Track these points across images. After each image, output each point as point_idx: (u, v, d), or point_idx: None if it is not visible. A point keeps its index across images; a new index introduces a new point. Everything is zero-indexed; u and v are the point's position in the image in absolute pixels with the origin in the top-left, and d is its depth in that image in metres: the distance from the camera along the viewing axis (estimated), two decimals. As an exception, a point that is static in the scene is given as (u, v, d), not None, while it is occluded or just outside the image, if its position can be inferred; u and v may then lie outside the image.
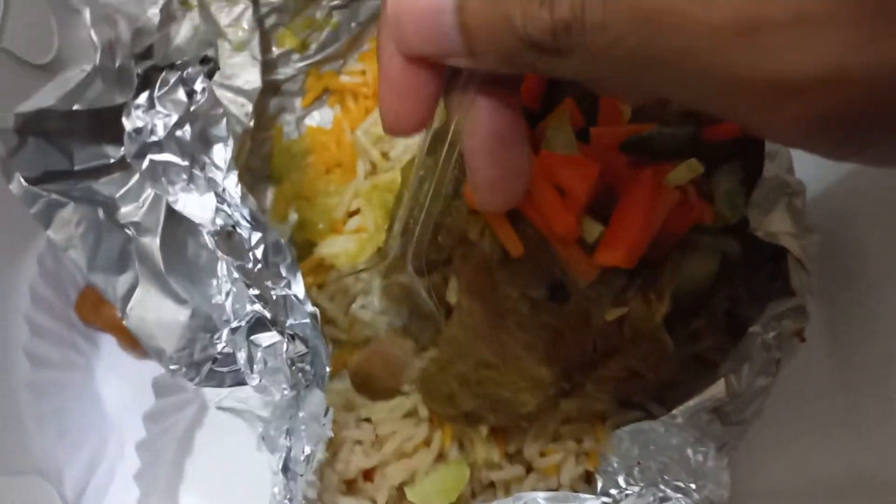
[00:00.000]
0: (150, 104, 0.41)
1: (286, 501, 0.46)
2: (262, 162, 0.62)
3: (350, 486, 0.55)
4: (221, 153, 0.41)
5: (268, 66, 0.61)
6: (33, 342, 0.53)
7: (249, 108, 0.54)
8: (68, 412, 0.54)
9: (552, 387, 0.52)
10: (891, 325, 0.59)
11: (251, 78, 0.56)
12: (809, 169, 0.58)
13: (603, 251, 0.51)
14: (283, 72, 0.63)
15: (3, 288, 0.52)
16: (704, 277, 0.56)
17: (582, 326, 0.52)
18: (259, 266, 0.41)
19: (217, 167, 0.41)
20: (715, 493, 0.55)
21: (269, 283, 0.42)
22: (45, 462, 0.51)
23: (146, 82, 0.40)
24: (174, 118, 0.40)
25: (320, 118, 0.65)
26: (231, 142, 0.41)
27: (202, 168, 0.41)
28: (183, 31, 0.54)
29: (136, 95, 0.41)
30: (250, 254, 0.41)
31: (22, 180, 0.43)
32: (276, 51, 0.62)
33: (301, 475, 0.45)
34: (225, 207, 0.41)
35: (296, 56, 0.63)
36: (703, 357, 0.57)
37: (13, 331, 0.52)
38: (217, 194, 0.41)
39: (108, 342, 0.58)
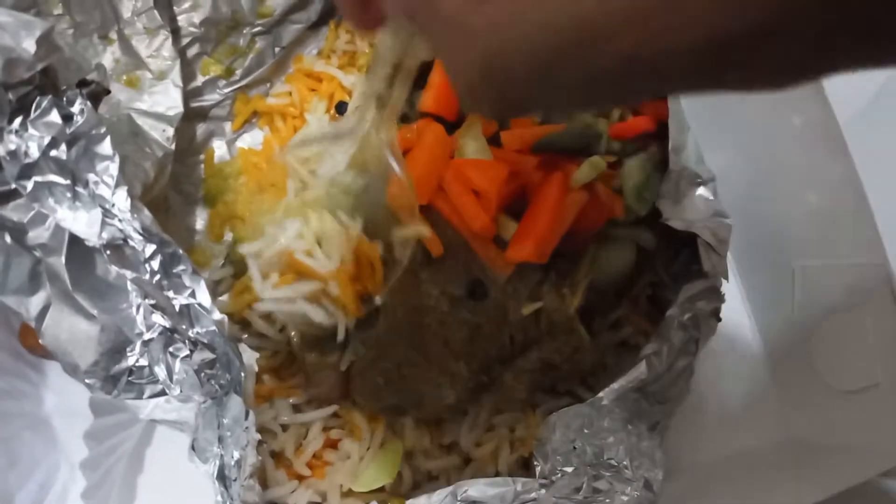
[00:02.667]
0: (24, 128, 0.43)
1: None
2: (195, 186, 0.64)
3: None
4: (108, 170, 0.43)
5: (194, 94, 0.64)
6: (-22, 375, 0.54)
7: (171, 132, 0.56)
8: (18, 440, 0.55)
9: (471, 381, 0.55)
10: (808, 298, 0.61)
11: (173, 104, 0.58)
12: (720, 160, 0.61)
13: (514, 247, 0.53)
14: (210, 98, 0.65)
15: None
16: (622, 268, 0.59)
17: (500, 321, 0.54)
18: (157, 277, 0.43)
19: (105, 184, 0.43)
20: (651, 471, 0.58)
21: (170, 294, 0.43)
22: (-4, 489, 0.53)
23: (22, 109, 0.41)
24: (47, 139, 0.42)
25: (251, 140, 0.67)
26: (117, 159, 0.42)
27: (86, 185, 0.42)
28: (106, 62, 0.57)
29: (11, 121, 0.42)
30: (145, 265, 0.43)
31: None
32: (201, 78, 0.64)
33: (235, 480, 0.47)
34: (114, 222, 0.42)
35: (222, 82, 0.65)
36: (627, 342, 0.60)
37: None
38: (105, 210, 0.42)
39: (55, 368, 0.59)
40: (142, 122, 0.56)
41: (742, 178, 0.66)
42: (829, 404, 0.59)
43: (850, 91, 0.58)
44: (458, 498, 0.53)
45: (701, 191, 0.59)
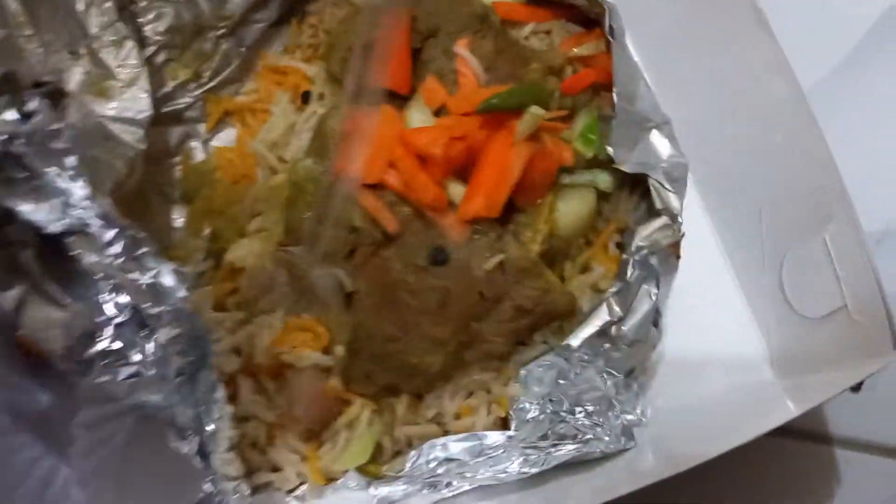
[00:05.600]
0: None
1: (208, 483, 0.50)
2: (174, 187, 0.68)
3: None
4: (66, 163, 0.46)
5: (165, 99, 0.67)
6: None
7: (141, 133, 0.59)
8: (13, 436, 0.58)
9: (451, 342, 0.56)
10: (775, 228, 0.62)
11: (142, 108, 0.60)
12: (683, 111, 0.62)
13: (464, 204, 0.55)
14: (182, 101, 0.68)
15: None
16: (583, 213, 0.60)
17: (467, 281, 0.56)
18: (121, 260, 0.46)
19: (63, 176, 0.46)
20: (630, 416, 0.59)
21: (135, 275, 0.46)
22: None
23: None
24: (2, 137, 0.45)
25: (226, 139, 0.69)
26: (76, 151, 0.45)
27: (43, 178, 0.46)
28: (77, 75, 0.60)
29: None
30: (108, 249, 0.46)
31: None
32: (171, 83, 0.67)
33: (212, 453, 0.49)
34: (75, 212, 0.46)
35: (192, 85, 0.68)
36: (599, 287, 0.60)
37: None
38: (64, 201, 0.46)
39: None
40: (113, 127, 0.59)
41: (706, 125, 0.67)
42: (803, 332, 0.59)
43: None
44: (430, 457, 0.55)
45: (655, 135, 0.60)
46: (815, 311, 0.57)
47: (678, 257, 0.57)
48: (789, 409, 0.55)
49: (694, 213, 0.68)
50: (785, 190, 0.60)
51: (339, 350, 0.57)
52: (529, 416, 0.56)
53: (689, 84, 0.69)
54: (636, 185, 0.61)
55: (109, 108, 0.60)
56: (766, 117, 0.61)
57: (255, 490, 0.57)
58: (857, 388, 0.51)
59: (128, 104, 0.61)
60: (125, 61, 0.62)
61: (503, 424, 0.58)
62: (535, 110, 0.55)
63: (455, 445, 0.55)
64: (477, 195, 0.55)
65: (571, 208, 0.59)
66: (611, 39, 0.59)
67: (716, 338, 0.65)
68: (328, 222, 0.57)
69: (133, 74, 0.62)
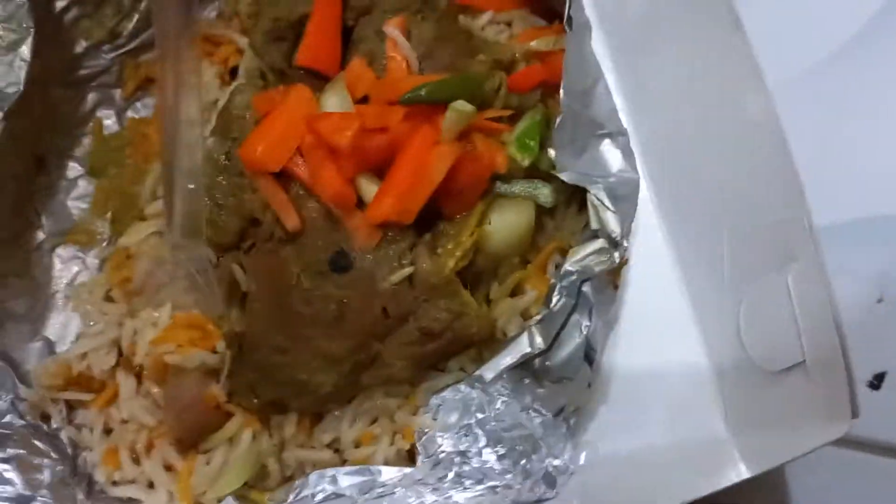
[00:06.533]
0: None
1: None
2: (82, 160, 0.61)
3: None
4: None
5: (76, 61, 0.60)
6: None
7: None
8: None
9: (347, 361, 0.49)
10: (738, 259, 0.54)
11: (12, 80, 0.52)
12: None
13: (373, 206, 0.48)
14: (95, 64, 0.61)
15: None
16: (519, 229, 0.52)
17: (369, 293, 0.49)
18: None
19: None
20: (559, 461, 0.52)
21: None
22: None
23: None
24: None
25: (146, 108, 0.63)
26: None
27: None
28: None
29: None
30: None
31: None
32: (83, 43, 0.60)
33: None
34: None
35: (106, 47, 0.61)
36: (529, 312, 0.53)
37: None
38: None
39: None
40: None
41: (673, 139, 0.60)
42: (759, 383, 0.52)
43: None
44: (317, 488, 0.48)
45: (606, 144, 0.53)
46: (773, 364, 0.50)
47: (616, 287, 0.50)
48: (741, 471, 0.49)
49: (653, 235, 0.61)
50: (750, 218, 0.53)
51: (221, 346, 0.50)
52: (441, 449, 0.49)
53: (658, 93, 0.61)
54: (584, 203, 0.54)
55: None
56: (737, 137, 0.54)
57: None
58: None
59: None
60: (10, 18, 0.54)
61: (409, 457, 0.51)
62: (460, 106, 0.48)
63: (345, 479, 0.48)
64: (387, 196, 0.48)
65: (506, 222, 0.52)
66: (567, 30, 0.51)
67: (665, 380, 0.58)
68: (225, 205, 0.50)
69: (15, 37, 0.54)
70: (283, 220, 0.49)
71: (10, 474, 0.48)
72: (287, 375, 0.49)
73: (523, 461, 0.50)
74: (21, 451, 0.50)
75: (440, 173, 0.48)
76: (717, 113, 0.56)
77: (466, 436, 0.50)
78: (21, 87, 0.53)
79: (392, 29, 0.52)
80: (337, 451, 0.52)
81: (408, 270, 0.48)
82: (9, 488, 0.48)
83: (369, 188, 0.49)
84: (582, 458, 0.54)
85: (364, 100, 0.52)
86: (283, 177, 0.50)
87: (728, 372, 0.56)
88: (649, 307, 0.58)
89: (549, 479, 0.51)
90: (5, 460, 0.49)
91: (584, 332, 0.49)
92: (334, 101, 0.51)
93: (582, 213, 0.54)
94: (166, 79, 0.52)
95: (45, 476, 0.50)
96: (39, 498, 0.49)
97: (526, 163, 0.51)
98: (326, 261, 0.49)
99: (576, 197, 0.55)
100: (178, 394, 0.51)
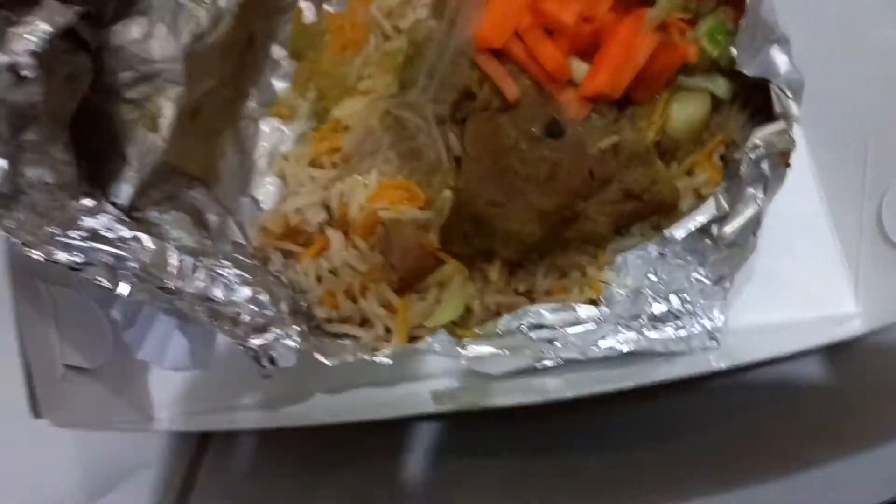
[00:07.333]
0: None
1: None
2: (282, 44, 0.68)
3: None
4: None
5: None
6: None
7: None
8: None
9: (554, 215, 0.57)
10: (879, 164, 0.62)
11: None
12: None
13: (588, 80, 0.55)
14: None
15: None
16: (696, 117, 0.60)
17: (578, 157, 0.56)
18: None
19: None
20: (714, 319, 0.59)
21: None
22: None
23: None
24: None
25: (337, 4, 0.69)
26: None
27: None
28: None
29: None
30: None
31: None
32: (294, -61, 0.67)
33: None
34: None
35: (312, -56, 0.68)
36: (701, 192, 0.61)
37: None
38: None
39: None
40: None
41: (813, 45, 0.66)
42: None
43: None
44: (523, 321, 0.55)
45: (775, 49, 0.60)
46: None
47: (788, 165, 0.57)
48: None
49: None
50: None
51: (447, 194, 0.57)
52: (617, 302, 0.56)
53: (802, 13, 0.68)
54: (747, 101, 0.61)
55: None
56: (884, 52, 0.61)
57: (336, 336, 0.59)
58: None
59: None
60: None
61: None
62: (672, -4, 0.55)
63: (549, 313, 0.55)
64: (601, 72, 0.55)
65: (685, 111, 0.59)
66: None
67: (800, 264, 0.65)
68: (444, 81, 0.57)
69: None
70: (503, 91, 0.56)
71: (263, 297, 0.55)
72: (500, 225, 0.57)
73: (688, 319, 0.58)
74: (268, 279, 0.56)
75: (644, 56, 0.55)
76: (862, 34, 0.63)
77: (640, 293, 0.57)
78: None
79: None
80: (531, 299, 0.59)
81: (616, 138, 0.56)
82: (268, 312, 0.54)
83: (578, 67, 0.57)
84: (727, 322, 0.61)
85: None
86: (500, 55, 0.57)
87: (863, 257, 0.63)
88: (786, 203, 0.65)
89: (712, 335, 0.58)
90: (256, 288, 0.55)
91: (759, 205, 0.56)
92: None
93: (743, 110, 0.62)
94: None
95: (284, 306, 0.56)
96: (286, 322, 0.55)
97: (715, 54, 0.58)
98: (542, 127, 0.56)
99: (739, 96, 0.62)
100: (398, 241, 0.57)
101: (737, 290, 0.64)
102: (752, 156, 0.55)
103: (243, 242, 0.61)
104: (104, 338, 0.53)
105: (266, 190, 0.66)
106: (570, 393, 0.51)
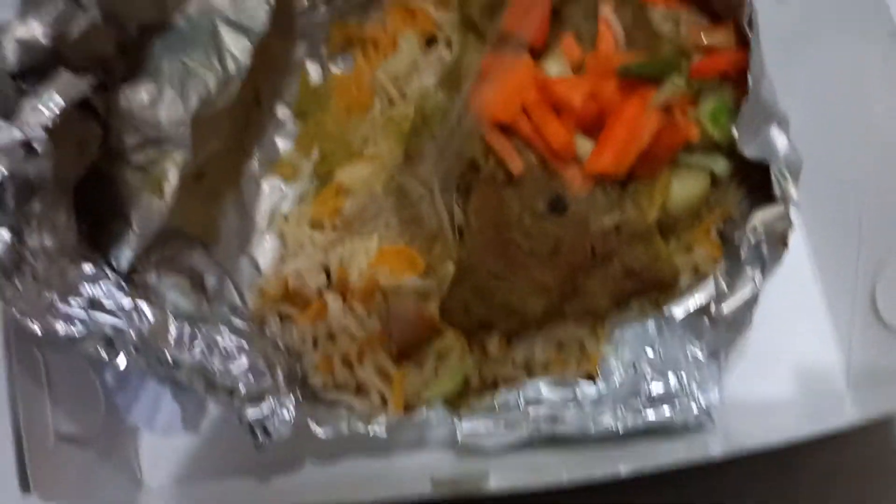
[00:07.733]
0: None
1: None
2: (288, 103, 0.68)
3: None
4: None
5: (295, 16, 0.68)
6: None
7: (249, 47, 0.56)
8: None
9: (555, 290, 0.57)
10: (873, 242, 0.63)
11: (260, 18, 0.57)
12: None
13: (593, 159, 0.56)
14: (309, 21, 0.68)
15: None
16: (695, 194, 0.60)
17: (581, 233, 0.57)
18: None
19: None
20: (709, 396, 0.59)
21: None
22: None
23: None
24: None
25: (344, 65, 0.70)
26: None
27: None
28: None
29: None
30: None
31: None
32: (304, 2, 0.68)
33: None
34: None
35: (323, 8, 0.68)
36: (700, 269, 0.61)
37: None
38: None
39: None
40: (223, 29, 0.57)
41: (809, 124, 0.68)
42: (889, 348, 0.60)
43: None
44: (521, 396, 0.55)
45: (775, 130, 0.61)
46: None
47: (786, 246, 0.58)
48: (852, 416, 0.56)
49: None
50: (891, 200, 0.61)
51: (450, 267, 0.57)
52: (613, 376, 0.57)
53: (797, 79, 0.69)
54: (745, 177, 0.62)
55: (227, 9, 0.57)
56: (879, 128, 0.62)
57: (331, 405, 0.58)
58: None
59: (247, 8, 0.58)
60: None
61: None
62: (676, 80, 0.56)
63: (547, 389, 0.55)
64: (607, 152, 0.55)
65: (685, 188, 0.60)
66: (748, 32, 0.60)
67: (793, 341, 0.66)
68: (452, 154, 0.57)
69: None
70: (508, 165, 0.57)
71: (260, 364, 0.54)
72: (501, 298, 0.57)
73: (684, 396, 0.58)
74: (266, 345, 0.56)
75: (649, 136, 0.56)
76: (858, 104, 0.65)
77: (636, 368, 0.58)
78: (265, 28, 0.59)
79: (609, 11, 0.60)
80: (528, 371, 0.59)
81: (619, 216, 0.56)
82: (264, 382, 0.53)
83: (584, 144, 0.57)
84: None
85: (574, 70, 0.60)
86: (506, 129, 0.58)
87: (856, 336, 0.64)
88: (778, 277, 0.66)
89: (707, 412, 0.59)
90: (253, 356, 0.55)
91: (756, 286, 0.57)
92: (556, 68, 0.59)
93: (741, 186, 0.63)
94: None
95: (280, 374, 0.55)
96: (282, 392, 0.54)
97: (717, 136, 0.59)
98: (545, 202, 0.57)
99: (736, 174, 0.63)
100: (399, 310, 0.57)
101: (730, 365, 0.64)
102: (753, 239, 0.56)
103: (240, 305, 0.61)
104: (97, 404, 0.52)
105: (264, 249, 0.66)
106: (566, 476, 0.51)
